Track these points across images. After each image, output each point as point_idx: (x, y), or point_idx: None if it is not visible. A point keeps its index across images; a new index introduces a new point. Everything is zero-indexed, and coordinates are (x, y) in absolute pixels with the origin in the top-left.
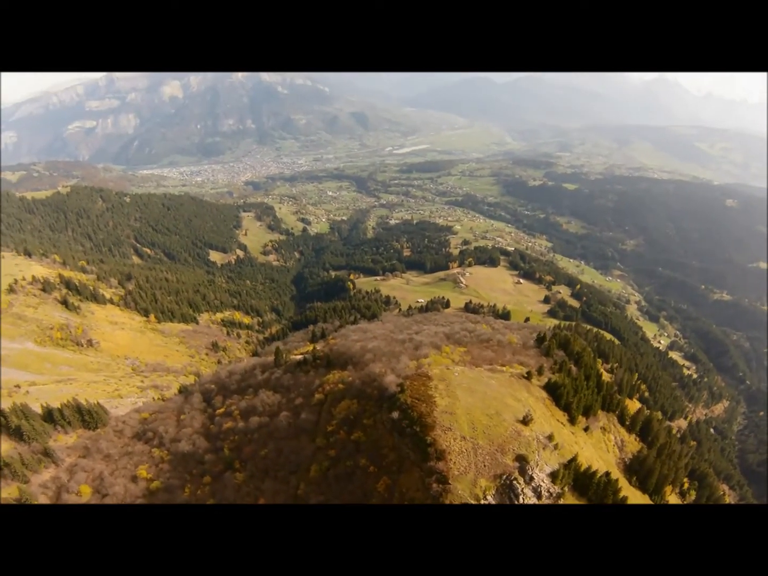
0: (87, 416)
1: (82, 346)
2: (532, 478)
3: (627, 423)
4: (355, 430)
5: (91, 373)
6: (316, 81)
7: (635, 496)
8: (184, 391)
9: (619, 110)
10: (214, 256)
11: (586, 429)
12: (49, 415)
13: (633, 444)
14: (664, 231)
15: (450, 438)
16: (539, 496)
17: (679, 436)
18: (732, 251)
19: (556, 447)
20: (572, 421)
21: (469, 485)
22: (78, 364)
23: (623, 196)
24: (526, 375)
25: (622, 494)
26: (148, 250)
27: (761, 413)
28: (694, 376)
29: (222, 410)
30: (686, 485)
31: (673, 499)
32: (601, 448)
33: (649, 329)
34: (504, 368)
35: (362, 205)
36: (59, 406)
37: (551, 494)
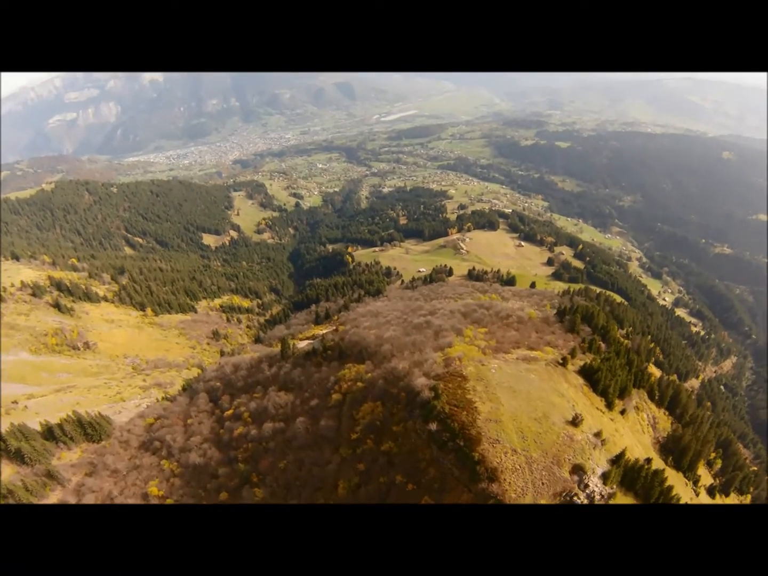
0: (89, 429)
1: (79, 349)
2: (587, 486)
3: (656, 398)
4: (384, 439)
5: (90, 378)
6: None
7: (671, 477)
8: (188, 389)
9: None
10: (208, 240)
11: (622, 412)
12: (50, 433)
13: (664, 419)
14: (661, 186)
15: (500, 452)
16: (592, 501)
17: (694, 397)
18: (731, 204)
19: (603, 443)
20: (609, 405)
21: None
22: (76, 370)
23: (618, 152)
24: (561, 361)
25: (666, 482)
26: (140, 240)
27: None
28: (702, 333)
29: (230, 412)
30: (712, 455)
31: (702, 471)
32: (637, 430)
33: (653, 286)
34: (537, 354)
35: (354, 175)
36: (59, 421)
37: (603, 497)
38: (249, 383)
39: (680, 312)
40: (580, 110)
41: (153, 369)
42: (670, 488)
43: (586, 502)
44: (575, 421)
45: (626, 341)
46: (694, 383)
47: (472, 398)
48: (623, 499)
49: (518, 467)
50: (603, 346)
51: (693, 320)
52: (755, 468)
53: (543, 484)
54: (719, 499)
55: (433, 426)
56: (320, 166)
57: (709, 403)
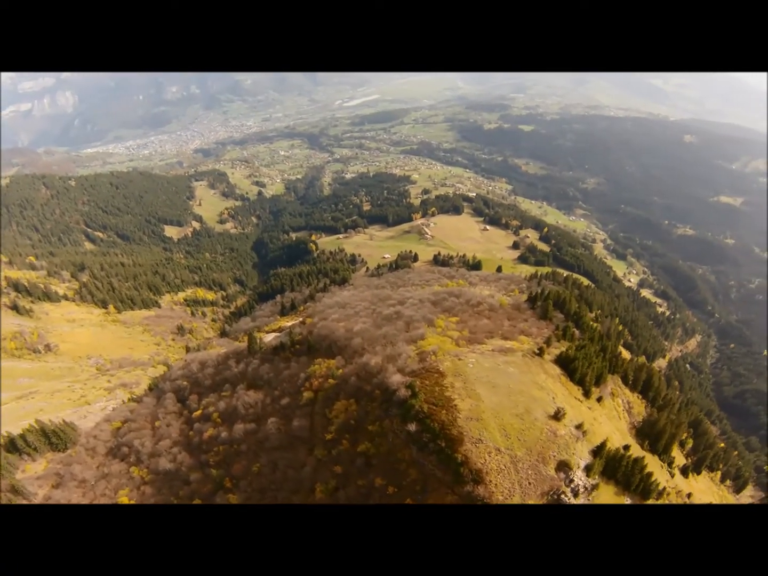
0: (54, 438)
1: (40, 352)
2: (572, 481)
3: (630, 382)
4: (361, 439)
5: (53, 381)
6: None
7: (648, 461)
8: (155, 388)
9: None
10: (170, 231)
11: (599, 399)
12: (12, 445)
13: (638, 403)
14: (625, 168)
15: (484, 452)
16: (576, 494)
17: (663, 378)
18: (693, 186)
19: (584, 434)
20: (587, 394)
21: None
22: (38, 374)
23: (581, 135)
24: (538, 351)
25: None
26: (101, 234)
27: (732, 345)
28: (667, 313)
29: (199, 412)
30: (684, 436)
31: (675, 452)
32: (614, 417)
33: (618, 268)
34: (512, 344)
35: (316, 162)
36: (22, 432)
37: (587, 489)
38: (217, 381)
39: (645, 293)
40: (544, 94)
41: (118, 369)
42: (650, 474)
43: (571, 497)
44: (557, 416)
45: (596, 325)
46: (661, 363)
47: (451, 395)
48: (606, 488)
49: (503, 467)
50: (577, 333)
51: (658, 301)
52: (723, 444)
53: (530, 483)
54: (692, 478)
55: (412, 427)
56: (282, 153)
57: (677, 383)
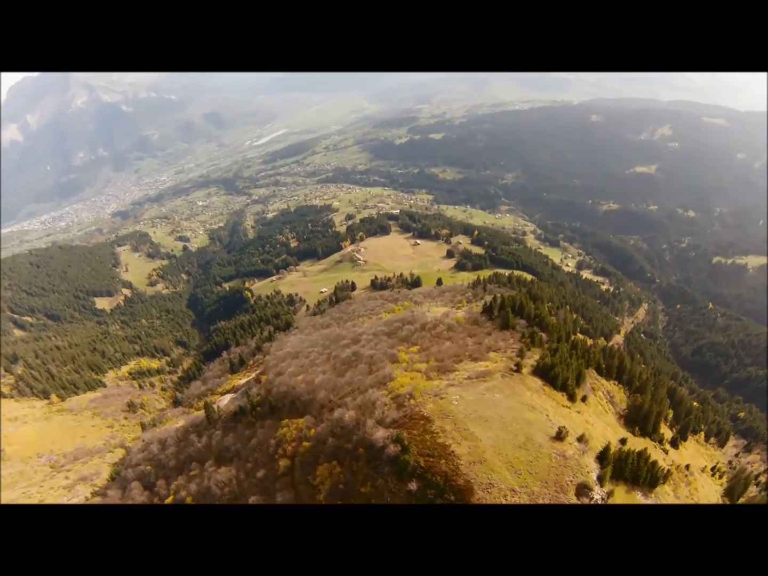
0: None
1: None
2: (591, 499)
3: (604, 371)
4: (354, 503)
5: (6, 492)
6: (161, 91)
7: (642, 444)
8: (117, 477)
9: None
10: (101, 303)
11: (584, 399)
12: None
13: (617, 390)
14: (540, 157)
15: (498, 497)
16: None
17: (625, 352)
18: (608, 163)
19: (587, 444)
20: (572, 398)
21: None
22: None
23: (491, 133)
24: (515, 368)
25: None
26: (29, 318)
27: (678, 306)
28: (611, 289)
29: (170, 498)
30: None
31: (664, 429)
32: (601, 412)
33: (554, 255)
34: (486, 365)
35: (236, 207)
36: None
37: (604, 499)
38: (181, 460)
39: (586, 274)
40: (448, 100)
41: (73, 462)
42: (654, 463)
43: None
44: (560, 436)
45: (552, 318)
46: (618, 339)
47: (444, 441)
48: (618, 489)
49: None
50: (544, 336)
51: (599, 279)
52: (696, 404)
53: None
54: (681, 447)
55: (413, 485)
56: (200, 203)
57: (638, 355)
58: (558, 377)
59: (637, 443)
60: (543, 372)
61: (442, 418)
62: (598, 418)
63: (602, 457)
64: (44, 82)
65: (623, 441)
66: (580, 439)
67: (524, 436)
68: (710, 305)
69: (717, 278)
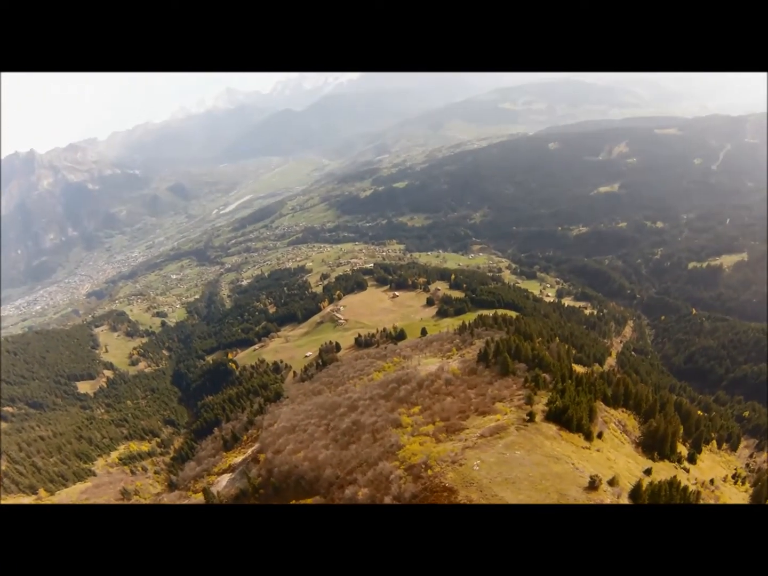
0: None
1: None
2: None
3: (611, 400)
4: None
5: None
6: (124, 167)
7: (663, 468)
8: None
9: (425, 99)
10: (83, 387)
11: (599, 435)
12: None
13: (626, 418)
14: (504, 192)
15: None
16: None
17: (626, 376)
18: (571, 187)
19: (618, 484)
20: (588, 437)
21: None
22: None
23: (453, 175)
24: (528, 417)
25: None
26: (10, 409)
27: (662, 317)
28: (595, 312)
29: None
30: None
31: (679, 447)
32: (618, 444)
33: (533, 287)
34: (496, 418)
35: (209, 277)
36: None
37: None
38: None
39: (567, 301)
40: (407, 147)
41: None
42: (686, 488)
43: None
44: (594, 485)
45: (546, 353)
46: (611, 361)
47: None
48: None
49: None
50: (547, 376)
51: (581, 304)
52: (701, 413)
53: None
54: (699, 460)
55: None
56: (174, 276)
57: (635, 375)
58: (572, 419)
59: (659, 468)
60: (556, 416)
61: (466, 486)
62: (617, 451)
63: (635, 496)
64: (9, 166)
65: (648, 471)
66: (611, 482)
67: (557, 493)
68: (693, 311)
69: (695, 283)
